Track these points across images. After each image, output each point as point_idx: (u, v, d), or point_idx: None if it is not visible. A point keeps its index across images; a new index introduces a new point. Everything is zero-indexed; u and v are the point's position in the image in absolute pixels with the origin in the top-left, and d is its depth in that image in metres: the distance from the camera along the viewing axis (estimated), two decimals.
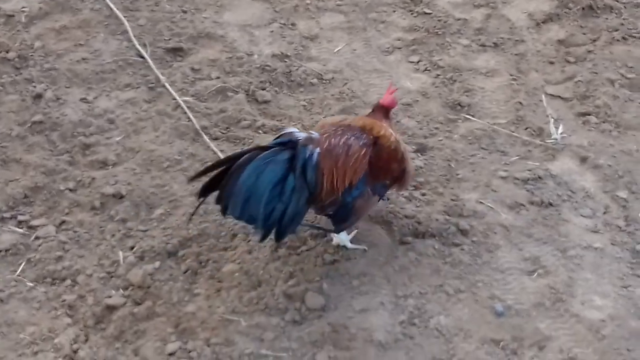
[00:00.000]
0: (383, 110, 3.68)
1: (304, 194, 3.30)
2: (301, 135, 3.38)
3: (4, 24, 4.89)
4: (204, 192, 3.36)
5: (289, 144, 3.33)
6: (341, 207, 3.47)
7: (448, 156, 4.24)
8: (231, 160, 3.28)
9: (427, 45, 4.93)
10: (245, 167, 3.22)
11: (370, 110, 3.75)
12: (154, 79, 4.62)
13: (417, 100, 4.56)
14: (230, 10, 5.15)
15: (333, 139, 3.42)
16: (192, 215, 3.68)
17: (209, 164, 3.49)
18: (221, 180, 3.27)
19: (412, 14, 5.17)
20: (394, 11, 5.19)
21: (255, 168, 3.22)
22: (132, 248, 3.77)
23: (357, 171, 3.42)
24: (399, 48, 4.90)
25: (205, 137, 4.28)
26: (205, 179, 3.34)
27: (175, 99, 4.49)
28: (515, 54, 4.90)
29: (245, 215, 3.26)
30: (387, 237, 3.80)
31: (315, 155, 3.33)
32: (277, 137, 3.40)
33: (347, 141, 3.42)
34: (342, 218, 3.55)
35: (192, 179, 3.41)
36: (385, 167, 3.53)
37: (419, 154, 4.23)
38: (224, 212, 3.30)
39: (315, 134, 3.41)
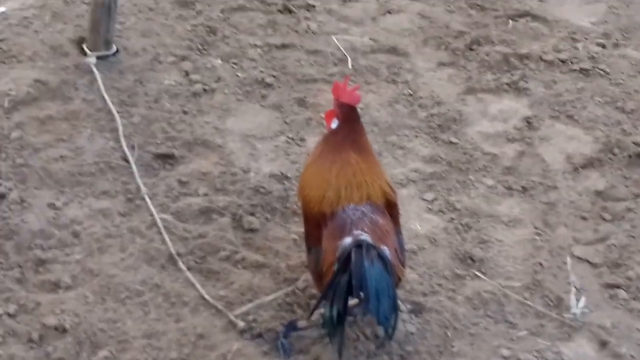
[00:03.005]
0: (346, 115, 3.52)
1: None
2: (365, 237, 3.23)
3: None
4: (341, 322, 3.22)
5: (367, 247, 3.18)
6: None
7: (446, 322, 3.68)
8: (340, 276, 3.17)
9: (446, 181, 4.38)
10: (365, 275, 3.11)
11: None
12: (134, 188, 4.14)
13: (424, 248, 4.02)
14: (236, 116, 4.66)
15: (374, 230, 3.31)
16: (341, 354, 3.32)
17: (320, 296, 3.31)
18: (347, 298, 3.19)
19: (436, 141, 4.63)
20: (417, 136, 4.65)
21: (369, 273, 3.12)
22: None
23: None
24: (414, 181, 4.36)
25: (183, 266, 3.80)
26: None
27: (152, 215, 4.01)
28: (545, 203, 4.32)
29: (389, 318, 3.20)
30: None
31: (387, 252, 3.23)
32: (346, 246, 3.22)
33: (378, 223, 3.35)
34: None
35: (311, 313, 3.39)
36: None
37: (412, 316, 3.68)
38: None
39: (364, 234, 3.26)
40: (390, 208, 3.49)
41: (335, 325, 3.23)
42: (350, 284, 3.14)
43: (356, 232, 3.25)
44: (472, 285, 3.88)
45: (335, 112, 3.55)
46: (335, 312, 3.20)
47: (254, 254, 3.90)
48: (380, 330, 3.41)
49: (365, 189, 3.41)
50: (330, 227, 3.35)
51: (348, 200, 3.39)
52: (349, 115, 3.53)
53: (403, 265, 3.45)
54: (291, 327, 3.56)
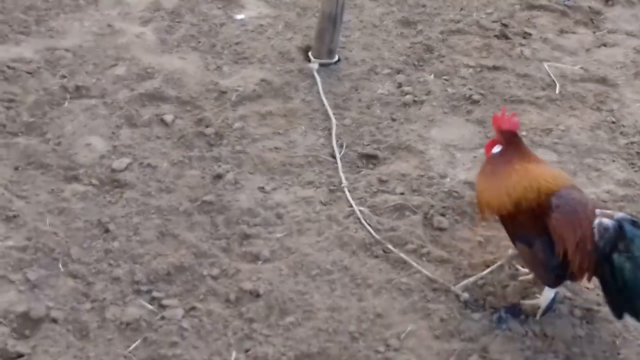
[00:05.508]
0: (508, 139, 3.77)
1: None
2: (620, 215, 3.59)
3: (215, 99, 4.95)
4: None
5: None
6: None
7: (616, 331, 3.80)
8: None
9: (636, 204, 4.49)
10: None
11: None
12: (337, 182, 4.50)
13: None
14: (441, 127, 4.95)
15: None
16: None
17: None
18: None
19: (633, 167, 4.73)
20: (614, 161, 4.77)
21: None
22: (247, 351, 3.64)
23: None
24: (605, 201, 4.49)
25: (394, 249, 4.12)
26: None
27: (350, 206, 4.35)
28: None
29: None
30: None
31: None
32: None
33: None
34: None
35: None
36: None
37: (584, 322, 3.82)
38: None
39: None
40: None
41: None
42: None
43: (603, 211, 3.58)
44: None
45: (497, 139, 3.80)
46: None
47: (439, 250, 4.16)
48: None
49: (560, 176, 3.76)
50: (558, 215, 3.59)
51: (557, 185, 3.67)
52: (511, 139, 3.77)
53: None
54: (515, 309, 3.86)
